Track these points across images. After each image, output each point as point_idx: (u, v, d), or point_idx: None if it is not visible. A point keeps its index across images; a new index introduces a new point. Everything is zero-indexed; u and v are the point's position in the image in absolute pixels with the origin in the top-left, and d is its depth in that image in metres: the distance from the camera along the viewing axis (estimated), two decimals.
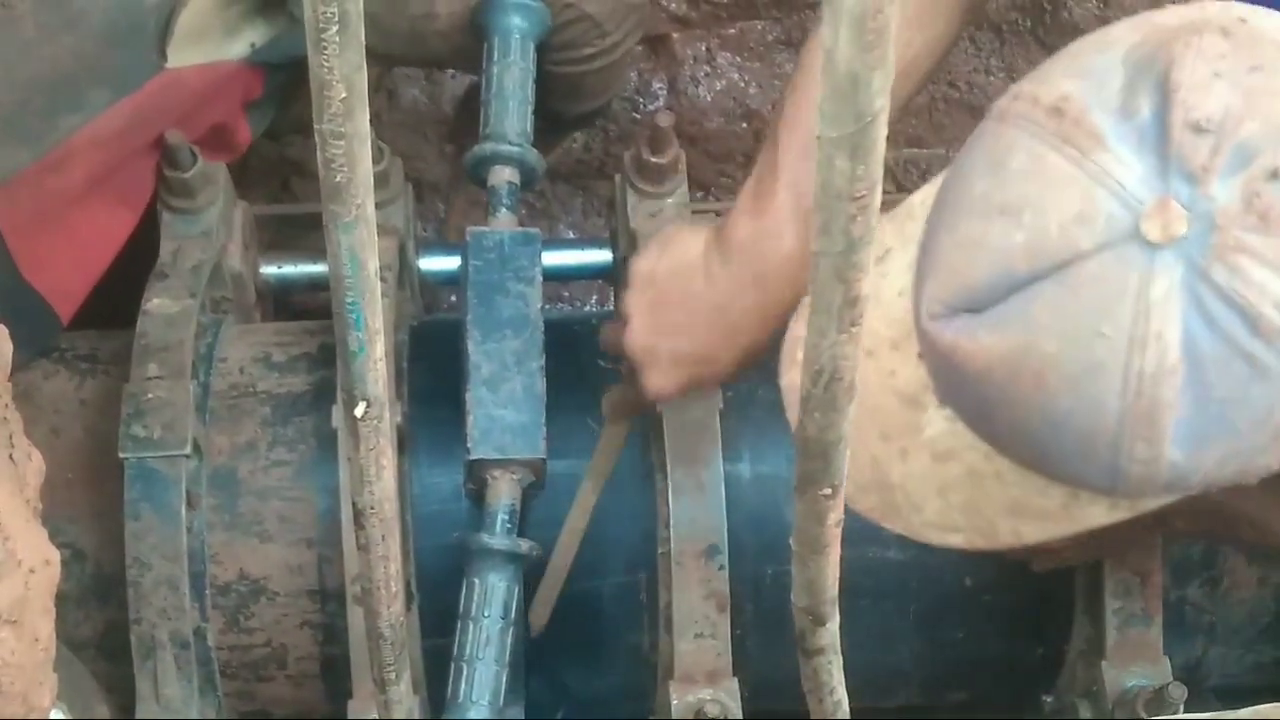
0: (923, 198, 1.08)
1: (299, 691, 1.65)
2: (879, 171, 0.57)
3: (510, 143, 1.68)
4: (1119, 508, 1.03)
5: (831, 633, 0.86)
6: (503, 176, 1.68)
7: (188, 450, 1.54)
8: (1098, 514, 1.03)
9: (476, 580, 1.50)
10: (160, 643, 1.53)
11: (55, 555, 0.94)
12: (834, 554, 0.79)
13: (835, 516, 0.75)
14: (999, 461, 1.02)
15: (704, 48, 2.48)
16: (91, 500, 1.60)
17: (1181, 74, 0.93)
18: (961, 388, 1.00)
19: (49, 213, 1.57)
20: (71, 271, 1.63)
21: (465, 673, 1.48)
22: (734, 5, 2.46)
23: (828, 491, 0.73)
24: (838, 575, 0.84)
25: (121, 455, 1.53)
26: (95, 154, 1.57)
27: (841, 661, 0.92)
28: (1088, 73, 0.96)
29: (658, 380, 1.39)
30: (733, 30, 2.48)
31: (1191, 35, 0.95)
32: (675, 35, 2.47)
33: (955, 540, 1.08)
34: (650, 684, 1.64)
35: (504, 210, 1.66)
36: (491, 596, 1.49)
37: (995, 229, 0.95)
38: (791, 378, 1.12)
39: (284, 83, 1.79)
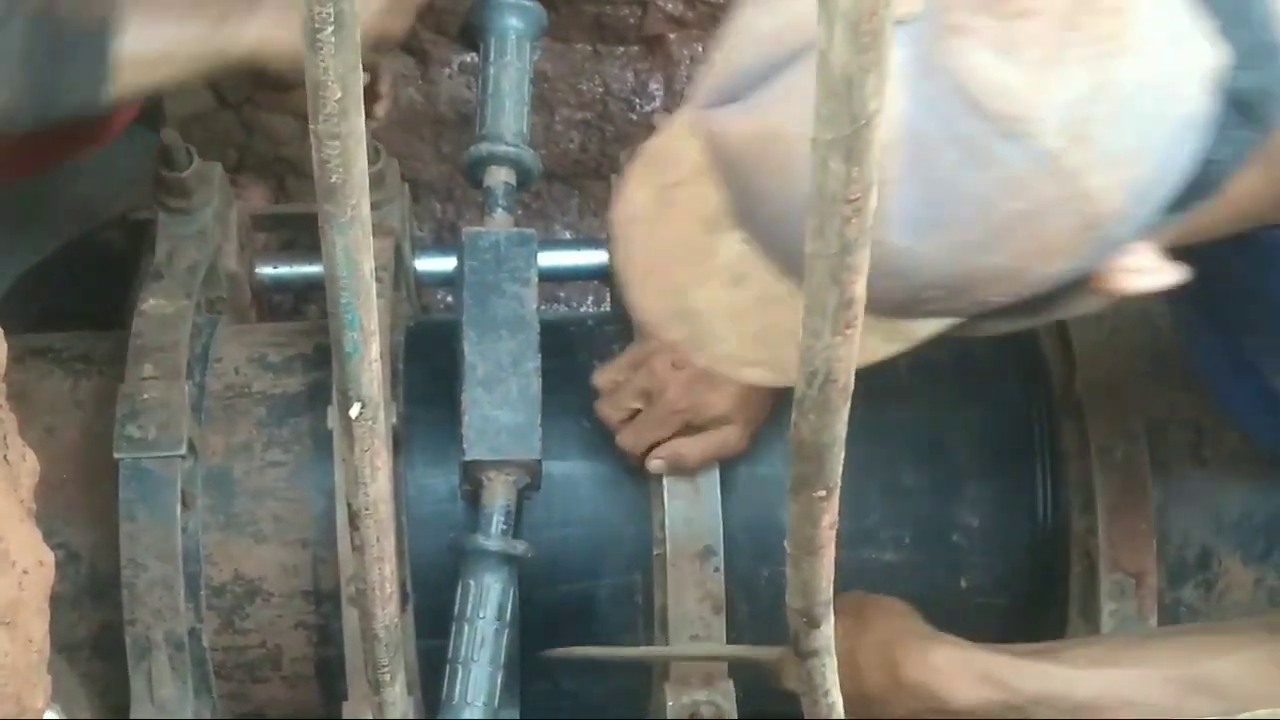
0: None
1: (294, 693, 1.64)
2: (874, 174, 0.57)
3: (506, 143, 1.68)
4: (894, 339, 1.03)
5: (826, 635, 0.86)
6: (499, 177, 1.68)
7: (183, 451, 1.54)
8: (873, 345, 1.01)
9: (472, 582, 1.50)
10: (155, 643, 1.53)
11: (50, 556, 0.94)
12: (828, 556, 0.79)
13: (830, 518, 0.75)
14: (786, 283, 1.02)
15: (700, 48, 2.48)
16: (86, 501, 1.59)
17: None
18: (733, 189, 1.00)
19: None
20: None
21: (460, 674, 1.47)
22: (730, 6, 2.46)
23: (822, 493, 0.73)
24: (832, 577, 0.84)
25: (116, 456, 1.53)
26: None
27: (836, 663, 0.92)
28: None
29: None
30: None
31: None
32: (671, 36, 2.47)
33: (754, 375, 1.09)
34: (645, 685, 1.64)
35: (500, 211, 1.66)
36: (486, 598, 1.49)
37: (755, 14, 0.98)
38: (620, 211, 1.12)
39: None
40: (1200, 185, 1.02)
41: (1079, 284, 1.03)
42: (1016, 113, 0.91)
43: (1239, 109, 1.00)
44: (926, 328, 1.03)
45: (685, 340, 1.09)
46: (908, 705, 1.41)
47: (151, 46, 1.47)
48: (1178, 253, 1.12)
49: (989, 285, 0.97)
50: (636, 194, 1.09)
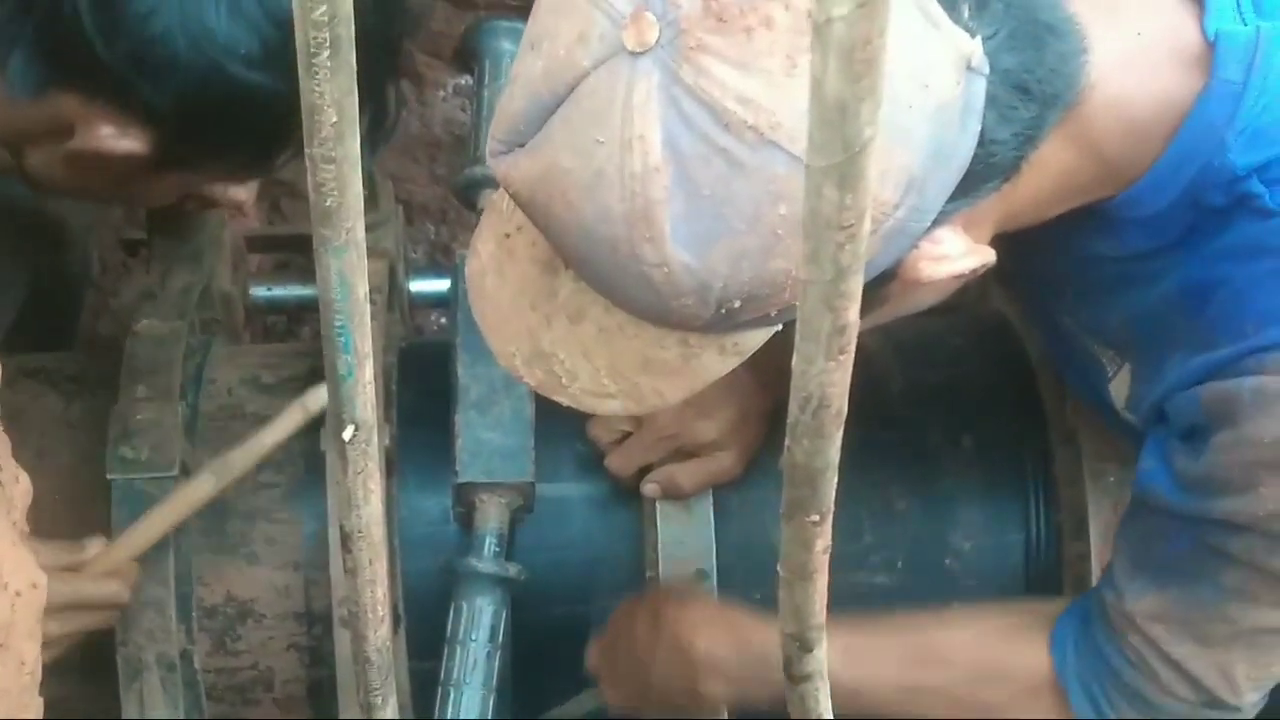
0: None
1: (285, 714, 1.64)
2: (867, 201, 0.57)
3: None
4: (727, 353, 1.05)
5: (819, 659, 0.86)
6: None
7: (175, 472, 1.54)
8: (711, 363, 1.05)
9: (464, 604, 1.50)
10: (147, 665, 1.53)
11: (42, 578, 0.94)
12: (821, 580, 0.79)
13: (823, 543, 0.75)
14: (618, 314, 1.05)
15: None
16: (79, 522, 1.59)
17: None
18: (540, 229, 1.04)
19: None
20: None
21: (452, 697, 1.48)
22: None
23: (815, 518, 0.73)
24: (825, 601, 0.84)
25: (109, 477, 1.53)
26: None
27: (829, 687, 0.92)
28: None
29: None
30: None
31: None
32: None
33: (613, 406, 1.10)
34: None
35: None
36: (479, 620, 1.49)
37: (526, 62, 1.01)
38: (469, 265, 1.14)
39: None
40: (991, 168, 1.03)
41: (890, 278, 1.04)
42: (765, 121, 0.93)
43: (1018, 90, 1.03)
44: (753, 339, 1.04)
45: (544, 382, 1.11)
46: (666, 659, 1.47)
47: None
48: (1020, 241, 1.15)
49: (785, 290, 0.98)
50: (482, 247, 1.12)
